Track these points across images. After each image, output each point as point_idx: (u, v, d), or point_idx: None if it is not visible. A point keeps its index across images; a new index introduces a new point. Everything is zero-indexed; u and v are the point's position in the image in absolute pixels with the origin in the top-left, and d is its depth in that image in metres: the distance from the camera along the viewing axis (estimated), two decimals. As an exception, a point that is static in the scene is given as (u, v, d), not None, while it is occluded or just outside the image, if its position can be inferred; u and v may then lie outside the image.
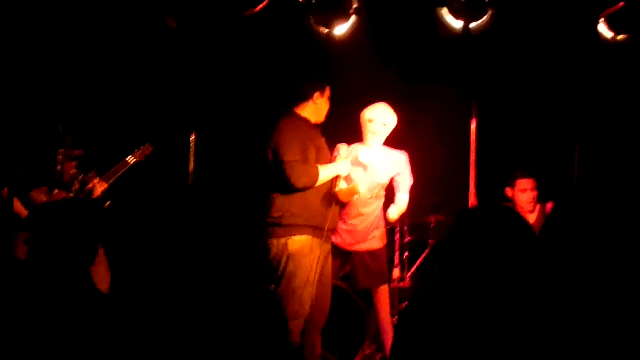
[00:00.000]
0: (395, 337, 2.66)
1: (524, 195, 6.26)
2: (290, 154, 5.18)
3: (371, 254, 5.84)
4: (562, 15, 6.46)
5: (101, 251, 5.28)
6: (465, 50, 6.67)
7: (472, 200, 6.23)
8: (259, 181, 5.40)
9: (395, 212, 5.82)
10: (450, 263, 2.61)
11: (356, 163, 5.61)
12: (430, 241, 6.98)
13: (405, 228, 6.81)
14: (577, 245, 2.56)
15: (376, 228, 5.85)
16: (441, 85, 6.96)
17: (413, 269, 6.87)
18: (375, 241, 5.86)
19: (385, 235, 6.00)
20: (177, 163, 6.77)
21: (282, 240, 5.25)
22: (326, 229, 5.36)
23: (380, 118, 5.67)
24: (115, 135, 6.71)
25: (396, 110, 5.79)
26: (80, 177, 5.89)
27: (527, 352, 2.42)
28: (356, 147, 5.74)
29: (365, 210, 5.76)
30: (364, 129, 5.74)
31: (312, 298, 5.31)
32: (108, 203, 5.79)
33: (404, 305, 6.50)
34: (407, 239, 6.82)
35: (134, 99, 7.09)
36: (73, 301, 2.86)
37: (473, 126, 6.24)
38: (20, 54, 6.64)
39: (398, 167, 5.77)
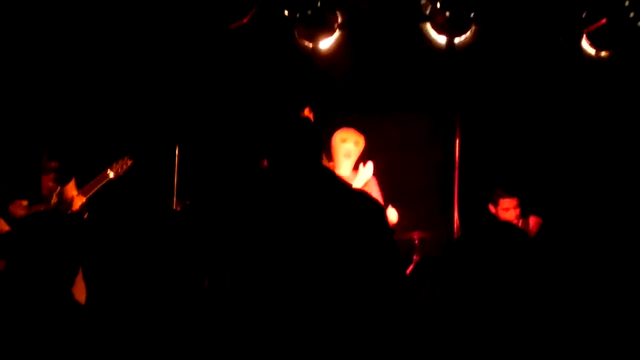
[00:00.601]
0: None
1: (507, 214, 6.27)
2: None
3: None
4: (546, 31, 6.50)
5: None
6: (448, 66, 6.70)
7: (456, 216, 6.24)
8: None
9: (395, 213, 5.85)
10: (450, 277, 2.62)
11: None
12: (414, 257, 6.97)
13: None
14: (565, 266, 2.58)
15: None
16: (425, 100, 6.99)
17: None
18: None
19: None
20: (161, 175, 6.76)
21: None
22: None
23: (351, 137, 5.72)
24: (97, 148, 6.68)
25: (379, 125, 5.83)
26: (58, 189, 5.86)
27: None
28: None
29: None
30: (336, 152, 5.76)
31: None
32: (85, 215, 5.75)
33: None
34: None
35: (118, 110, 7.06)
36: (52, 313, 2.84)
37: (456, 142, 6.25)
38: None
39: (367, 188, 5.79)
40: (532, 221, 6.34)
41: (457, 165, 6.40)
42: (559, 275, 2.63)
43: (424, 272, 6.95)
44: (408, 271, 6.96)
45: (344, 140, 5.71)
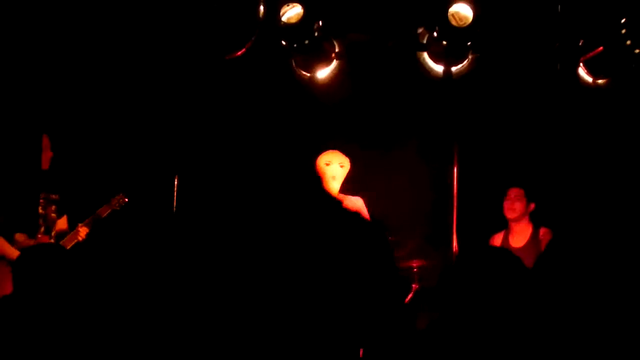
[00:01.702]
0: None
1: (507, 202, 6.43)
2: None
3: None
4: (542, 59, 6.52)
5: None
6: (446, 95, 6.71)
7: (454, 245, 6.23)
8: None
9: None
10: (445, 303, 2.60)
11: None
12: (413, 286, 6.94)
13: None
14: (571, 286, 2.56)
15: None
16: (422, 129, 6.99)
17: (396, 314, 6.82)
18: None
19: None
20: (160, 207, 6.75)
21: None
22: None
23: (336, 159, 5.73)
24: (95, 180, 6.68)
25: (377, 153, 5.84)
26: (58, 221, 5.87)
27: None
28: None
29: None
30: (322, 175, 5.77)
31: None
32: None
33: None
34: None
35: (116, 142, 7.06)
36: (57, 338, 2.84)
37: (454, 170, 6.26)
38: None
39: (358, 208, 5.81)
40: (543, 232, 6.37)
41: (455, 193, 6.39)
42: (559, 303, 2.60)
43: (423, 301, 6.93)
44: (407, 299, 6.94)
45: (328, 164, 5.73)
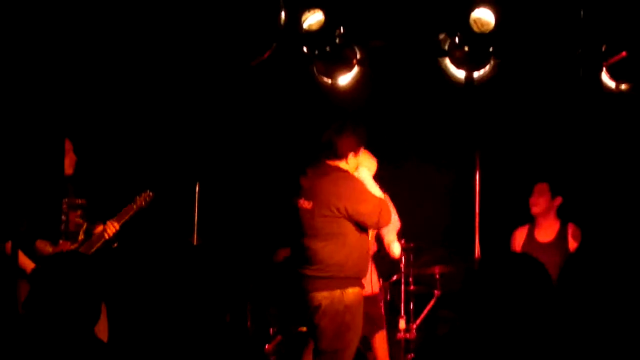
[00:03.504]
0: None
1: (531, 198, 6.53)
2: (372, 204, 5.27)
3: (367, 298, 5.78)
4: (565, 64, 6.49)
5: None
6: (467, 101, 6.70)
7: (477, 251, 6.21)
8: (300, 233, 5.35)
9: (396, 246, 5.81)
10: (468, 311, 2.60)
11: None
12: (435, 292, 6.94)
13: (410, 279, 6.79)
14: (596, 295, 2.54)
15: (372, 273, 5.83)
16: (444, 135, 6.98)
17: (419, 321, 6.81)
18: (371, 286, 5.84)
19: (378, 281, 6.01)
20: (181, 213, 6.78)
21: (337, 293, 5.23)
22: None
23: (364, 163, 5.70)
24: (118, 186, 6.72)
25: (400, 161, 5.83)
26: (85, 226, 5.89)
27: None
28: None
29: None
30: None
31: None
32: (115, 244, 5.80)
33: (409, 356, 6.45)
34: (412, 288, 6.79)
35: (138, 148, 7.10)
36: (74, 352, 2.84)
37: (476, 176, 6.25)
38: (18, 101, 6.67)
39: None
40: (572, 229, 6.36)
41: (477, 200, 6.38)
42: (578, 311, 2.58)
43: (445, 307, 6.93)
44: (429, 306, 6.93)
45: (356, 168, 5.71)
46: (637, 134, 6.71)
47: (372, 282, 5.89)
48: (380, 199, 5.35)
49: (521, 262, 2.64)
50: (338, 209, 5.22)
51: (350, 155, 5.38)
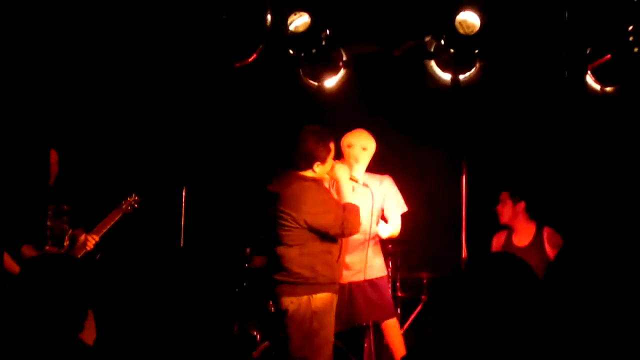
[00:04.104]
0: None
1: (497, 207, 6.58)
2: (332, 213, 5.18)
3: (371, 283, 5.75)
4: (550, 67, 6.52)
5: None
6: (454, 103, 6.71)
7: (464, 255, 6.20)
8: (271, 238, 5.34)
9: (387, 229, 5.77)
10: (451, 311, 2.59)
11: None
12: (422, 297, 6.93)
13: (398, 284, 6.78)
14: (582, 295, 2.53)
15: (374, 257, 5.79)
16: (430, 138, 6.99)
17: (406, 326, 6.80)
18: (374, 270, 5.79)
19: (384, 266, 5.93)
20: (167, 218, 6.76)
21: (304, 299, 5.21)
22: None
23: (358, 142, 5.69)
24: (104, 190, 6.70)
25: (385, 164, 5.81)
26: (70, 231, 5.87)
27: None
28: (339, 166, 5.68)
29: (361, 237, 5.69)
30: (345, 157, 5.75)
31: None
32: (98, 255, 5.78)
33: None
34: (400, 294, 6.78)
35: (122, 152, 7.08)
36: (60, 354, 2.81)
37: (463, 179, 6.25)
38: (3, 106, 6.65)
39: (384, 189, 5.75)
40: (547, 233, 6.36)
41: (464, 203, 6.38)
42: (563, 313, 2.57)
43: (432, 312, 6.92)
44: (416, 312, 6.92)
45: (350, 146, 5.68)
46: (622, 136, 6.73)
47: (376, 267, 5.81)
48: (345, 207, 5.28)
49: (508, 261, 2.63)
50: (297, 221, 5.20)
51: (317, 165, 5.32)
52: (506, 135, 7.05)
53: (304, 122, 5.57)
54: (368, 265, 5.76)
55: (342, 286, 5.70)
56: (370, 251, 5.76)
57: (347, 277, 5.75)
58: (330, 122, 6.38)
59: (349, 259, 5.72)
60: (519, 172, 7.00)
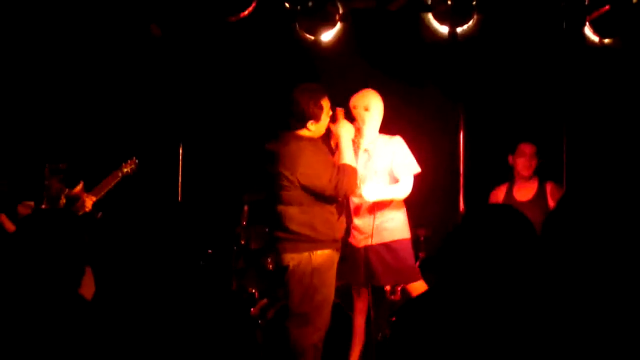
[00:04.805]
0: (391, 338, 2.61)
1: (521, 159, 6.32)
2: (325, 176, 5.15)
3: (385, 246, 5.69)
4: (548, 18, 6.48)
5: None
6: (451, 56, 6.67)
7: (462, 211, 6.18)
8: (272, 196, 5.31)
9: (376, 193, 5.57)
10: (449, 263, 2.56)
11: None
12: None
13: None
14: (581, 246, 2.50)
15: (386, 221, 5.71)
16: (428, 91, 6.95)
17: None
18: (389, 233, 5.71)
19: (404, 229, 5.79)
20: (165, 175, 6.74)
21: (305, 255, 5.20)
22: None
23: (361, 103, 5.56)
24: (101, 149, 6.67)
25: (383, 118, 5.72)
26: (66, 191, 5.84)
27: (525, 354, 2.36)
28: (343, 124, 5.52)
29: (365, 201, 5.63)
30: (355, 118, 5.66)
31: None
32: (100, 214, 5.76)
33: (392, 319, 6.42)
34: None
35: (120, 111, 7.04)
36: (58, 309, 2.80)
37: (461, 134, 6.22)
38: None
39: (392, 148, 5.65)
40: (550, 187, 6.32)
41: (462, 158, 6.35)
42: (563, 266, 2.55)
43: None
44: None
45: (354, 108, 5.58)
46: (621, 88, 6.70)
47: (390, 230, 5.73)
48: (340, 169, 5.18)
49: (506, 214, 2.60)
50: (292, 181, 5.17)
51: (311, 123, 5.27)
52: (504, 88, 7.00)
53: (300, 78, 5.51)
54: (381, 228, 5.68)
55: (357, 249, 5.69)
56: (380, 215, 5.69)
57: (360, 240, 5.71)
58: (327, 78, 6.36)
59: (359, 222, 5.68)
60: (518, 125, 6.96)
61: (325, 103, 5.25)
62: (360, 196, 5.55)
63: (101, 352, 2.75)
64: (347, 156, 5.27)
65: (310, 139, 5.24)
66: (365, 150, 5.58)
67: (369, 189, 5.52)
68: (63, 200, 5.80)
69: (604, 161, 6.78)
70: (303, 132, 5.22)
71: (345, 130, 5.38)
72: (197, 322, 6.01)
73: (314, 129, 5.23)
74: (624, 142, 6.77)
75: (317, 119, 5.21)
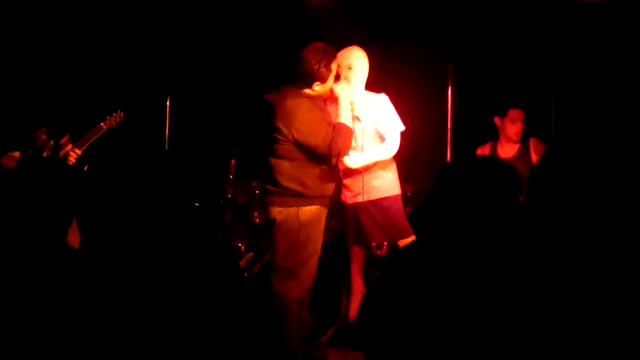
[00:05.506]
0: (371, 295, 2.61)
1: (512, 126, 6.41)
2: (322, 133, 5.13)
3: (374, 203, 5.71)
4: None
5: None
6: (441, 12, 6.64)
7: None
8: (263, 151, 5.31)
9: (358, 159, 5.59)
10: (433, 216, 2.55)
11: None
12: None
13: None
14: (566, 198, 2.49)
15: (375, 178, 5.71)
16: (416, 49, 6.92)
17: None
18: (377, 190, 5.72)
19: (394, 186, 5.79)
20: (153, 127, 6.72)
21: (292, 210, 5.21)
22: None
23: (344, 61, 5.52)
24: (88, 102, 6.65)
25: (370, 75, 5.68)
26: (51, 143, 5.83)
27: (508, 313, 2.36)
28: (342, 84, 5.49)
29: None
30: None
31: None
32: (86, 167, 5.75)
33: (377, 273, 6.45)
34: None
35: (107, 63, 7.00)
36: (47, 256, 2.79)
37: (449, 93, 6.20)
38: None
39: (376, 108, 5.65)
40: (533, 142, 6.38)
41: (449, 116, 6.33)
42: (548, 221, 2.53)
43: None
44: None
45: (339, 66, 5.56)
46: (612, 45, 6.68)
47: (378, 187, 5.74)
48: (336, 128, 5.18)
49: (490, 164, 2.59)
50: (286, 136, 5.16)
51: (316, 84, 5.24)
52: (494, 45, 6.97)
53: (294, 33, 5.48)
54: (369, 186, 5.70)
55: (347, 207, 5.74)
56: (370, 173, 5.69)
57: (349, 198, 5.74)
58: (317, 35, 6.31)
59: (348, 181, 5.70)
60: (508, 84, 6.95)
61: (334, 66, 5.24)
62: (346, 163, 5.56)
63: (91, 301, 2.75)
64: (344, 116, 5.27)
65: (309, 96, 5.23)
66: (357, 118, 5.56)
67: (353, 157, 5.53)
68: (47, 153, 5.79)
69: (592, 122, 6.79)
70: (306, 91, 5.21)
71: (343, 90, 5.37)
72: (184, 274, 6.03)
73: (318, 89, 5.23)
74: (614, 98, 6.77)
75: (324, 80, 5.20)
